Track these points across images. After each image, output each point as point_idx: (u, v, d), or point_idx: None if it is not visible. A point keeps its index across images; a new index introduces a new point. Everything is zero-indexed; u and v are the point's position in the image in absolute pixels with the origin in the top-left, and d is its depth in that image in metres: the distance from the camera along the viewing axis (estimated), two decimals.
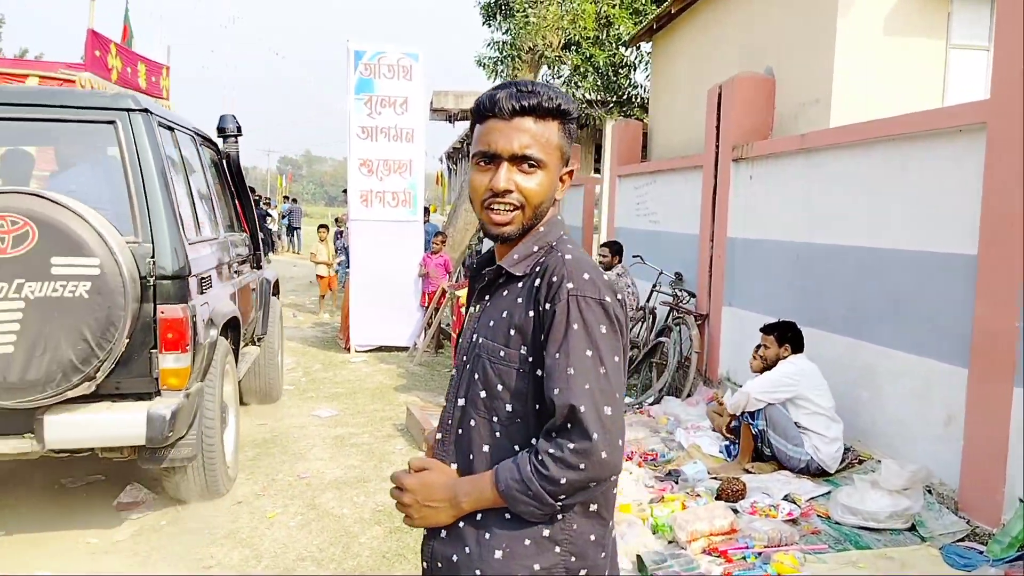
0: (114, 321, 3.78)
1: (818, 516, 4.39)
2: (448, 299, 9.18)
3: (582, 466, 1.47)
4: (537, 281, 1.58)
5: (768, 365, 5.22)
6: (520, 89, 1.60)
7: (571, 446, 1.47)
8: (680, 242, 8.46)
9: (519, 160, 1.60)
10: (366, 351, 9.92)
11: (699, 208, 7.85)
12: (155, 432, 3.98)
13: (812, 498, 4.63)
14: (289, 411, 7.06)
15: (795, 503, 4.50)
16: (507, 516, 1.58)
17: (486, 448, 1.61)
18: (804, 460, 4.90)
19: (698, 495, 4.67)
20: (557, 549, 1.58)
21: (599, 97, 13.74)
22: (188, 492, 4.73)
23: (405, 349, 9.92)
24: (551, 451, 1.48)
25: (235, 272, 5.62)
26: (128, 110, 4.23)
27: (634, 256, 8.55)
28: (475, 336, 1.67)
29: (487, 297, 1.70)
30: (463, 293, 7.94)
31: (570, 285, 1.53)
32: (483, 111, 1.62)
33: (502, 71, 12.33)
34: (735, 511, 4.35)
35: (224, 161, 6.28)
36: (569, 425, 1.48)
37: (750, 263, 6.93)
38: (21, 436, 4.01)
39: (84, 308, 3.74)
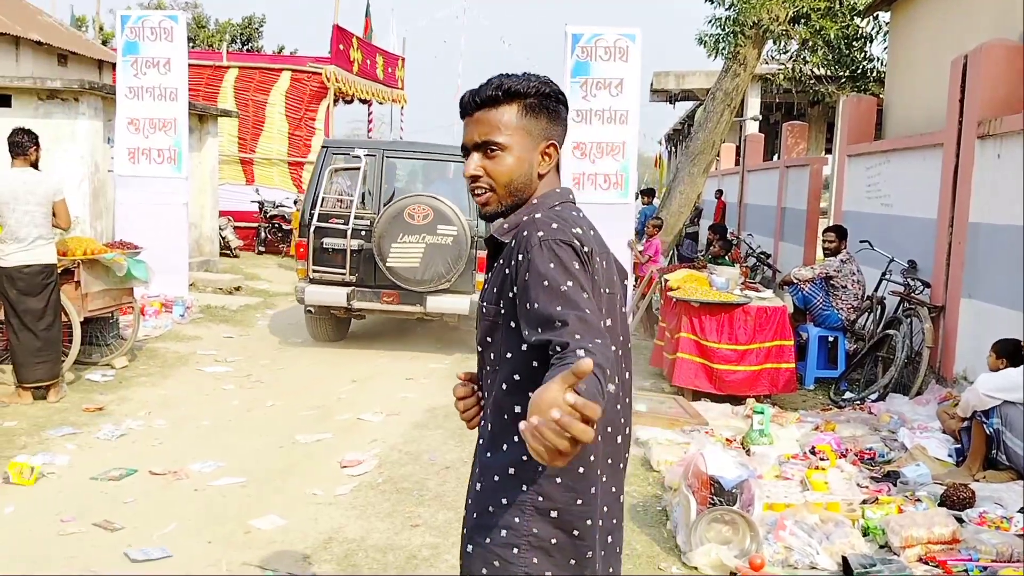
0: (461, 255, 7.67)
1: None
2: (658, 283, 9.08)
3: (608, 355, 1.56)
4: (513, 242, 1.79)
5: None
6: (477, 87, 1.84)
7: (598, 341, 1.55)
8: (915, 227, 7.80)
9: (482, 147, 1.82)
10: None
11: (937, 190, 7.18)
12: (472, 309, 7.46)
13: None
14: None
15: None
16: (488, 454, 1.82)
17: (487, 388, 1.89)
18: None
19: (918, 500, 4.32)
20: (524, 487, 1.72)
21: (830, 72, 12.92)
22: None
23: None
24: (580, 350, 1.50)
25: None
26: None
27: (861, 241, 8.00)
28: (480, 298, 1.93)
29: (493, 265, 1.92)
30: (674, 277, 7.82)
31: (540, 234, 1.71)
32: (460, 114, 1.88)
33: (723, 49, 11.91)
34: (960, 520, 3.97)
35: None
36: (579, 333, 1.55)
37: (995, 251, 6.25)
38: (415, 305, 8.00)
39: (449, 248, 7.66)
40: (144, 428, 5.90)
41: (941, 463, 4.98)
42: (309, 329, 8.86)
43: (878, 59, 12.09)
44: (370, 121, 23.60)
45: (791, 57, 12.61)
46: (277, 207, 17.81)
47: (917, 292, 7.24)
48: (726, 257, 9.22)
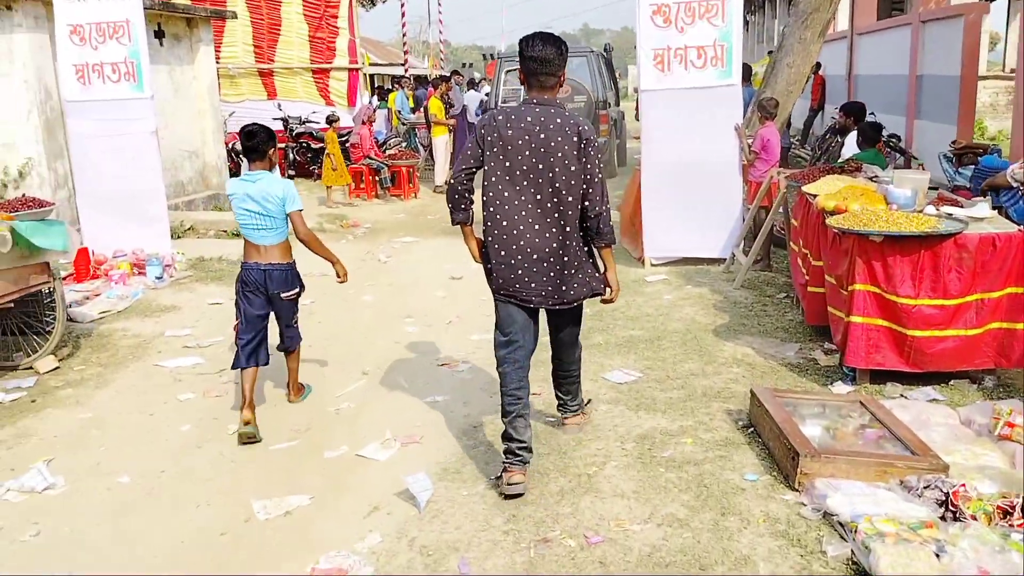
0: (590, 113, 12.31)
1: None
2: (783, 193, 6.48)
3: (453, 180, 3.67)
4: None
5: None
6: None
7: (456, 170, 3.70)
8: None
9: None
10: (664, 264, 7.58)
11: None
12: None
13: None
14: None
15: None
16: None
17: None
18: None
19: None
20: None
21: None
22: None
23: (719, 262, 7.43)
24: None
25: (612, 105, 14.09)
26: (592, 52, 13.77)
27: None
28: None
29: None
30: (823, 189, 5.25)
31: None
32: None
33: None
34: None
35: (607, 61, 14.60)
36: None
37: None
38: None
39: (582, 110, 12.27)
40: (26, 500, 3.79)
41: None
42: None
43: None
44: (403, 15, 20.82)
45: None
46: (304, 123, 15.45)
47: None
48: (876, 150, 6.51)
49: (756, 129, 7.72)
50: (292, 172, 15.17)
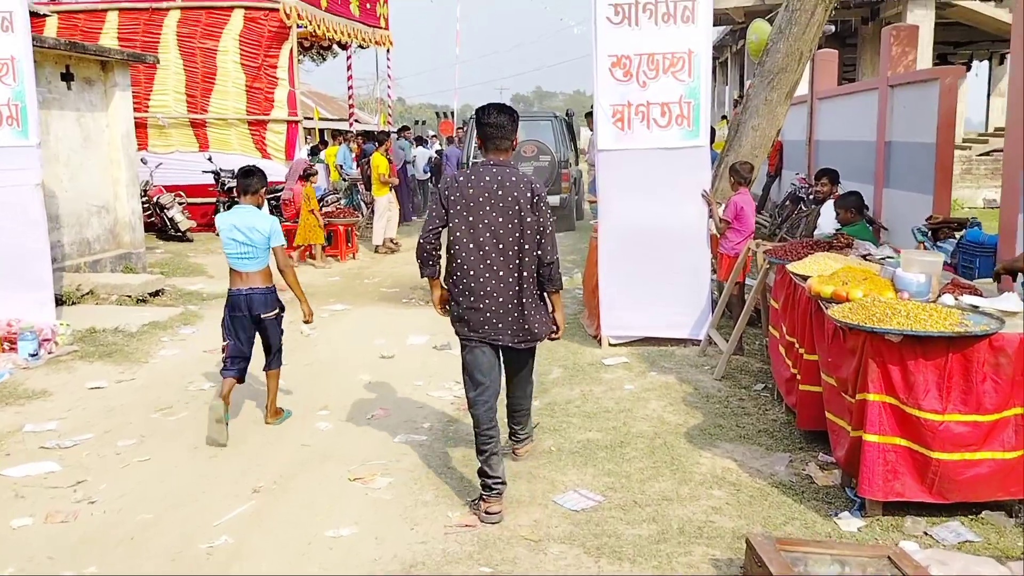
0: (553, 172, 14.08)
1: None
2: (764, 271, 5.67)
3: (421, 240, 3.94)
4: None
5: None
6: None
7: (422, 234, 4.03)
8: None
9: None
10: (624, 344, 6.69)
11: None
12: (560, 203, 14.11)
13: None
14: (518, 486, 4.05)
15: None
16: None
17: None
18: None
19: None
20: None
21: None
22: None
23: (684, 343, 6.58)
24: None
25: (572, 164, 15.56)
26: (555, 117, 15.71)
27: None
28: None
29: None
30: (814, 269, 4.42)
31: None
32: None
33: None
34: None
35: (567, 124, 16.12)
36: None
37: None
38: None
39: (546, 169, 13.98)
40: None
41: None
42: None
43: None
44: (349, 68, 20.03)
45: None
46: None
47: None
48: (864, 223, 5.79)
49: (728, 196, 6.96)
50: None
